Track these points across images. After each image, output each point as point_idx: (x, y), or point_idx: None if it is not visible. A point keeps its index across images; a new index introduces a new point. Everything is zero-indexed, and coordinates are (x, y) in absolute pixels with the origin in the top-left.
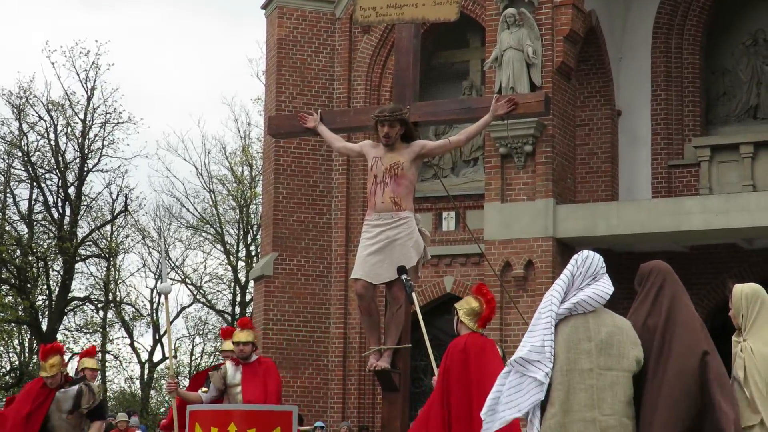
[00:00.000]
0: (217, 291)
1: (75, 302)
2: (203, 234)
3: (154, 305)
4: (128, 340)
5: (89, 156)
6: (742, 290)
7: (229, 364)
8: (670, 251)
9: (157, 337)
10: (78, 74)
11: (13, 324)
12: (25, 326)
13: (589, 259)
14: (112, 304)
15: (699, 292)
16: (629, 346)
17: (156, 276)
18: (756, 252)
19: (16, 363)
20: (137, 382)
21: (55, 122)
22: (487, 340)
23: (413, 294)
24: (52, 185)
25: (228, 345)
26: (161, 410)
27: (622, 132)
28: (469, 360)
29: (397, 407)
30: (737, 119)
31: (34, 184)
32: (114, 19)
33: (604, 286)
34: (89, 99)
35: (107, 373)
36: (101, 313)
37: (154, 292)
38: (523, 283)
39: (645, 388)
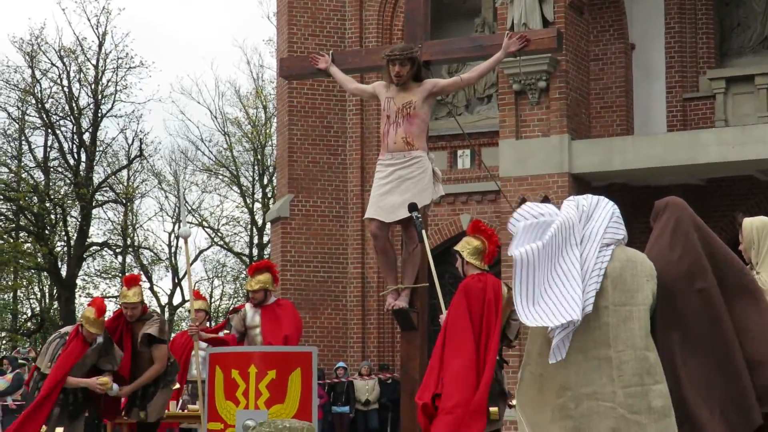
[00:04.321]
0: (235, 233)
1: (93, 248)
2: (219, 177)
3: (173, 249)
4: (147, 285)
5: (103, 101)
6: (753, 223)
7: (248, 307)
8: (686, 184)
9: (176, 281)
10: (89, 20)
11: (32, 271)
12: (44, 273)
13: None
14: (130, 249)
15: (716, 225)
16: (644, 279)
17: (173, 220)
18: None
19: (37, 309)
20: None
21: (68, 68)
22: (494, 279)
23: (423, 232)
24: (66, 132)
25: (250, 285)
26: None
27: (636, 66)
28: (489, 299)
29: (415, 346)
30: (752, 50)
31: (49, 131)
32: None
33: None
34: (101, 44)
35: None
36: (120, 258)
37: (172, 235)
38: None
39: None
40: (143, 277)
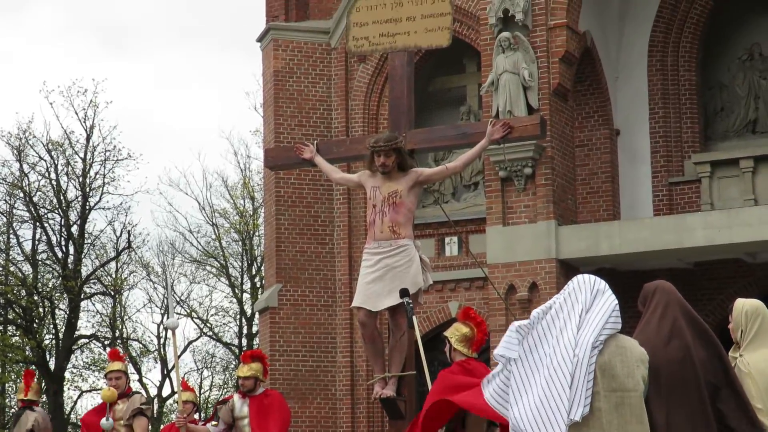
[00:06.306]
0: (224, 324)
1: (82, 340)
2: (207, 267)
3: (161, 340)
4: (136, 376)
5: (90, 194)
6: (744, 306)
7: (236, 397)
8: (673, 268)
9: (165, 372)
10: (76, 113)
11: (21, 364)
12: (32, 366)
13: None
14: (119, 341)
15: (704, 308)
16: (634, 365)
17: (162, 311)
18: (760, 266)
19: None
20: None
21: (56, 162)
22: (481, 366)
23: (414, 318)
24: (54, 224)
25: (242, 371)
26: None
27: (621, 151)
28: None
29: None
30: (736, 134)
31: (37, 224)
32: (110, 57)
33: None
34: (88, 137)
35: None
36: (108, 350)
37: (161, 327)
38: (527, 305)
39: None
40: (132, 369)
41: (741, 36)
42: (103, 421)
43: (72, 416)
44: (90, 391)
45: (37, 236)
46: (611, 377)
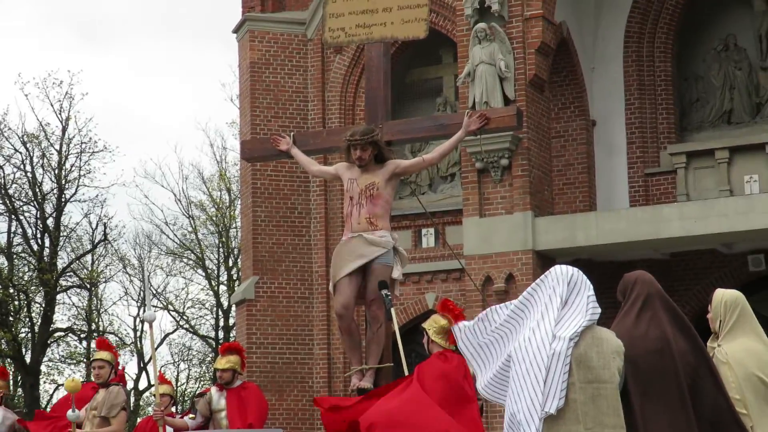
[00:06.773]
0: (200, 316)
1: (58, 333)
2: (184, 260)
3: (138, 333)
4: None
5: (66, 186)
6: (723, 296)
7: (213, 390)
8: (650, 259)
9: (141, 365)
10: (52, 105)
11: None
12: (8, 359)
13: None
14: (94, 334)
15: (680, 299)
16: (610, 357)
17: (138, 304)
18: (735, 256)
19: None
20: None
21: (31, 154)
22: (457, 357)
23: (392, 310)
24: (30, 217)
25: (220, 364)
26: None
27: (597, 142)
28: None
29: None
30: (712, 125)
31: (12, 216)
32: (85, 49)
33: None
34: (64, 129)
35: None
36: (84, 343)
37: (137, 320)
38: (504, 296)
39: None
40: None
41: (716, 27)
42: (69, 412)
43: (48, 410)
44: None
45: (13, 229)
46: (587, 369)
